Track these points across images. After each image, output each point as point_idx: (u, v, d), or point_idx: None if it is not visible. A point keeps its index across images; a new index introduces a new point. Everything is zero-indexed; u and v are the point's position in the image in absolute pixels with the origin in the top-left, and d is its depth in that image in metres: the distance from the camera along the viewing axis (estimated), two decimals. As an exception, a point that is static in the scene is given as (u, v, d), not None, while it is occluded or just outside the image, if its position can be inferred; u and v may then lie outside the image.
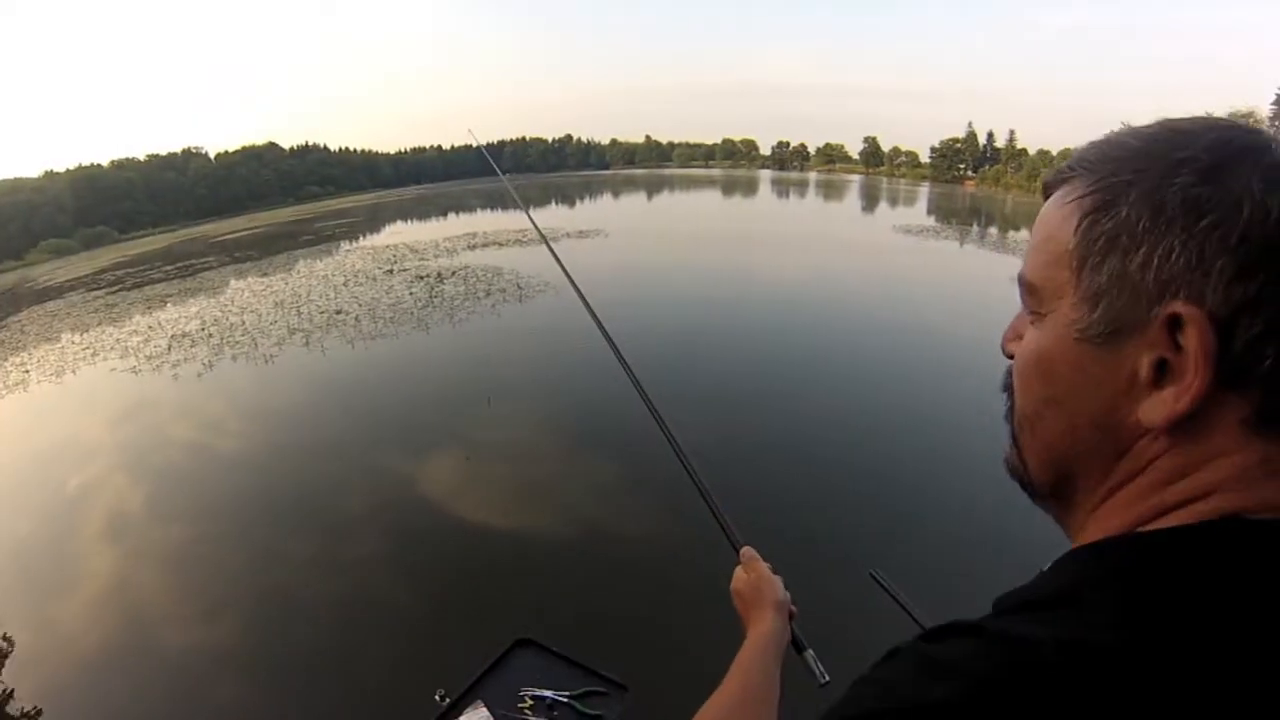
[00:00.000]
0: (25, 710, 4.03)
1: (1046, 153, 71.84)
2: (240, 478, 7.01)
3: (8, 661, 4.50)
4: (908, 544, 5.15)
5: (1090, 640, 0.39)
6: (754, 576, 1.08)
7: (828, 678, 0.98)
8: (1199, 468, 0.45)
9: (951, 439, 6.88)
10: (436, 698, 1.83)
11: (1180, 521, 0.45)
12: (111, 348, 13.11)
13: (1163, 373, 0.44)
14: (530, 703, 1.81)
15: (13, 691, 4.20)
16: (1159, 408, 0.44)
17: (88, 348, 13.49)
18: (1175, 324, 0.43)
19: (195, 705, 3.97)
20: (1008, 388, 0.59)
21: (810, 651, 1.03)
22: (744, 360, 10.01)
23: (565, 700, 1.82)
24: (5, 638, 4.71)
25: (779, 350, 10.54)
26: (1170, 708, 0.36)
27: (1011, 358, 0.59)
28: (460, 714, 1.75)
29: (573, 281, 1.58)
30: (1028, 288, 0.54)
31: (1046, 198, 0.55)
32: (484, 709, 1.78)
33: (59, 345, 14.28)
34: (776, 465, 6.50)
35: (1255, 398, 0.42)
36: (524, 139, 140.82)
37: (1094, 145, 0.51)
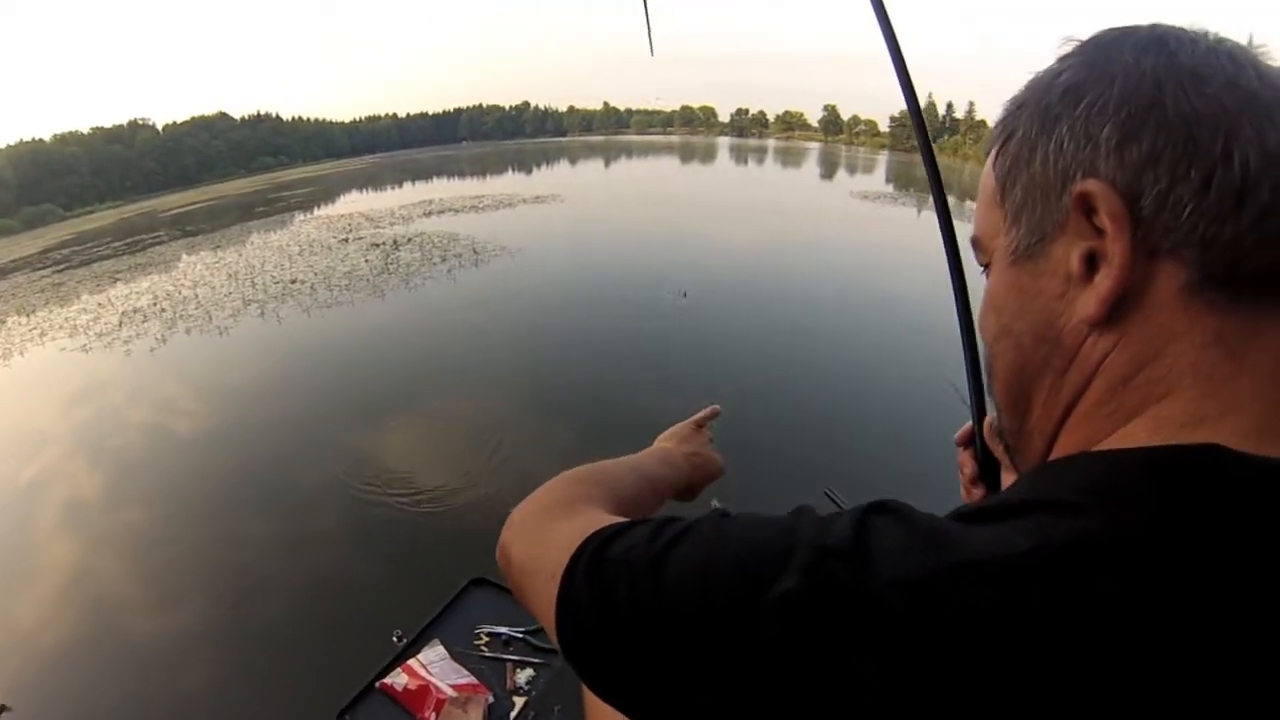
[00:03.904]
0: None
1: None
2: (199, 455, 6.93)
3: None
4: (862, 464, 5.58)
5: (1092, 535, 0.35)
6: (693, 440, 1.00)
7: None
8: (1152, 359, 0.42)
9: (904, 372, 7.30)
10: (394, 639, 1.88)
11: (1148, 437, 0.41)
12: (60, 327, 12.83)
13: (1095, 265, 0.43)
14: (486, 639, 1.85)
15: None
16: (1090, 295, 0.43)
17: (35, 328, 13.16)
18: (1088, 209, 0.42)
19: (164, 689, 3.95)
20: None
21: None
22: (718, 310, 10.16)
23: (520, 635, 1.86)
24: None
25: (742, 301, 10.71)
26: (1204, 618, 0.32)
27: None
28: (418, 652, 1.78)
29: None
30: (974, 244, 0.54)
31: None
32: (440, 646, 1.81)
33: (4, 327, 13.89)
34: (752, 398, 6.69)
35: (1189, 257, 0.40)
36: (480, 106, 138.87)
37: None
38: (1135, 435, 0.42)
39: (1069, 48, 0.48)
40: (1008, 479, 0.72)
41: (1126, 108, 0.41)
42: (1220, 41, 0.43)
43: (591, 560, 0.48)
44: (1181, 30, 0.44)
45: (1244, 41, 0.43)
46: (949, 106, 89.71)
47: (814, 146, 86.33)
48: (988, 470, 0.75)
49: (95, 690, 4.03)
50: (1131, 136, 0.40)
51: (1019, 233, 0.47)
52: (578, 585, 0.48)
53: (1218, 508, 0.34)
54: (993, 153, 0.50)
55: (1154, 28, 0.44)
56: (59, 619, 4.75)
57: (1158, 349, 0.41)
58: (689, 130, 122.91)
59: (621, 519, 0.55)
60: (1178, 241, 0.39)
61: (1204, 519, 0.34)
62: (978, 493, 0.76)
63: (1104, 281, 0.41)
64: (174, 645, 4.28)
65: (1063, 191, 0.43)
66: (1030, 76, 0.49)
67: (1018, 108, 0.48)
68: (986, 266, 0.53)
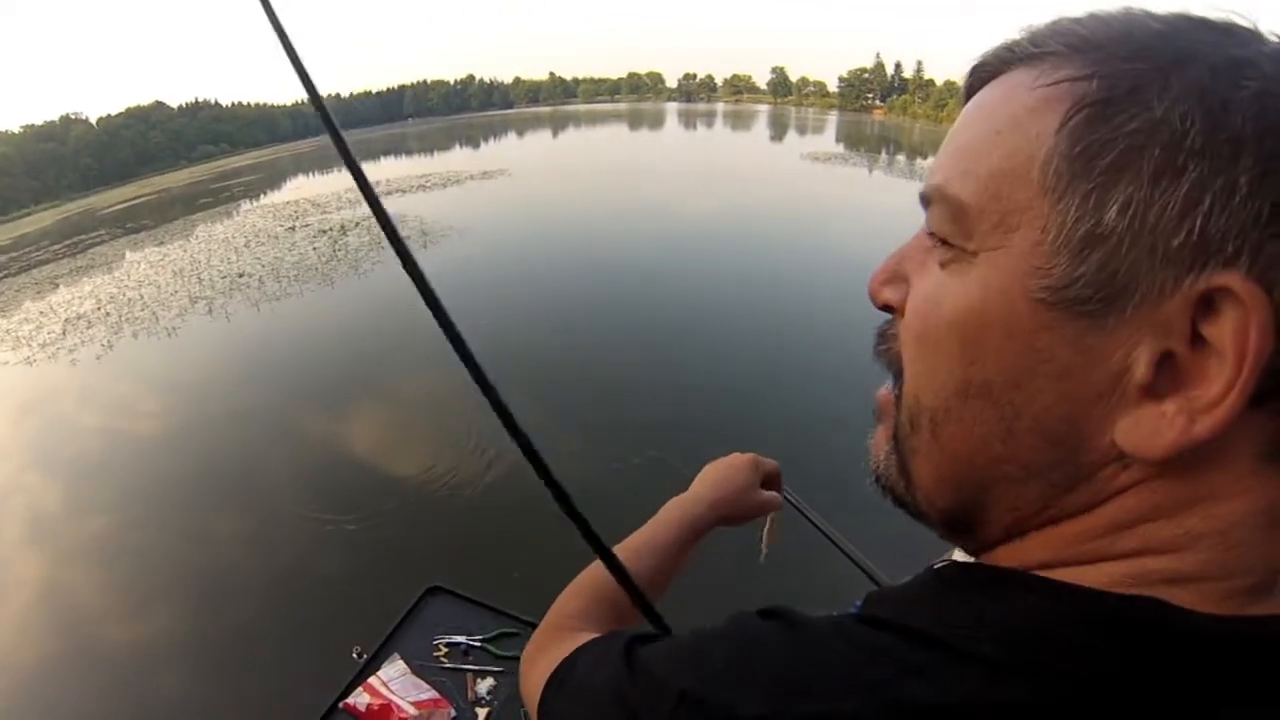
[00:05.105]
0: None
1: (953, 83, 73.24)
2: (157, 459, 6.87)
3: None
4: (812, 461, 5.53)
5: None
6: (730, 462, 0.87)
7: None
8: (1178, 513, 0.31)
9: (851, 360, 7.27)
10: (354, 655, 1.80)
11: (1122, 576, 0.32)
12: (1, 340, 12.50)
13: (1162, 372, 0.29)
14: (445, 650, 1.80)
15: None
16: (1160, 431, 0.29)
17: (-24, 343, 12.82)
18: (1208, 303, 0.28)
19: (139, 699, 3.96)
20: (885, 355, 0.41)
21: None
22: (651, 288, 10.26)
23: (479, 644, 1.81)
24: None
25: (684, 281, 10.81)
26: None
27: (889, 309, 0.41)
28: (379, 669, 1.73)
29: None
30: (952, 209, 0.35)
31: (971, 94, 0.38)
32: (400, 661, 1.76)
33: (-58, 346, 13.52)
34: (691, 391, 6.79)
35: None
36: (424, 82, 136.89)
37: (1077, 20, 0.33)
38: (1109, 576, 0.32)
39: (1218, 19, 0.31)
40: None
41: None
42: None
43: (543, 715, 0.52)
44: None
45: None
46: (897, 66, 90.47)
47: (763, 109, 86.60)
48: None
49: (69, 703, 4.02)
50: None
51: (1076, 269, 0.30)
52: None
53: (1154, 684, 0.28)
54: (1070, 101, 0.31)
55: None
56: (29, 635, 4.69)
57: (1192, 509, 0.31)
58: (636, 97, 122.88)
59: (586, 639, 0.55)
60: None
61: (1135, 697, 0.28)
62: None
63: (1188, 426, 0.29)
64: (147, 652, 4.28)
65: (1195, 267, 0.28)
66: (1126, 11, 0.33)
67: (1156, 70, 0.29)
68: (957, 252, 0.35)
